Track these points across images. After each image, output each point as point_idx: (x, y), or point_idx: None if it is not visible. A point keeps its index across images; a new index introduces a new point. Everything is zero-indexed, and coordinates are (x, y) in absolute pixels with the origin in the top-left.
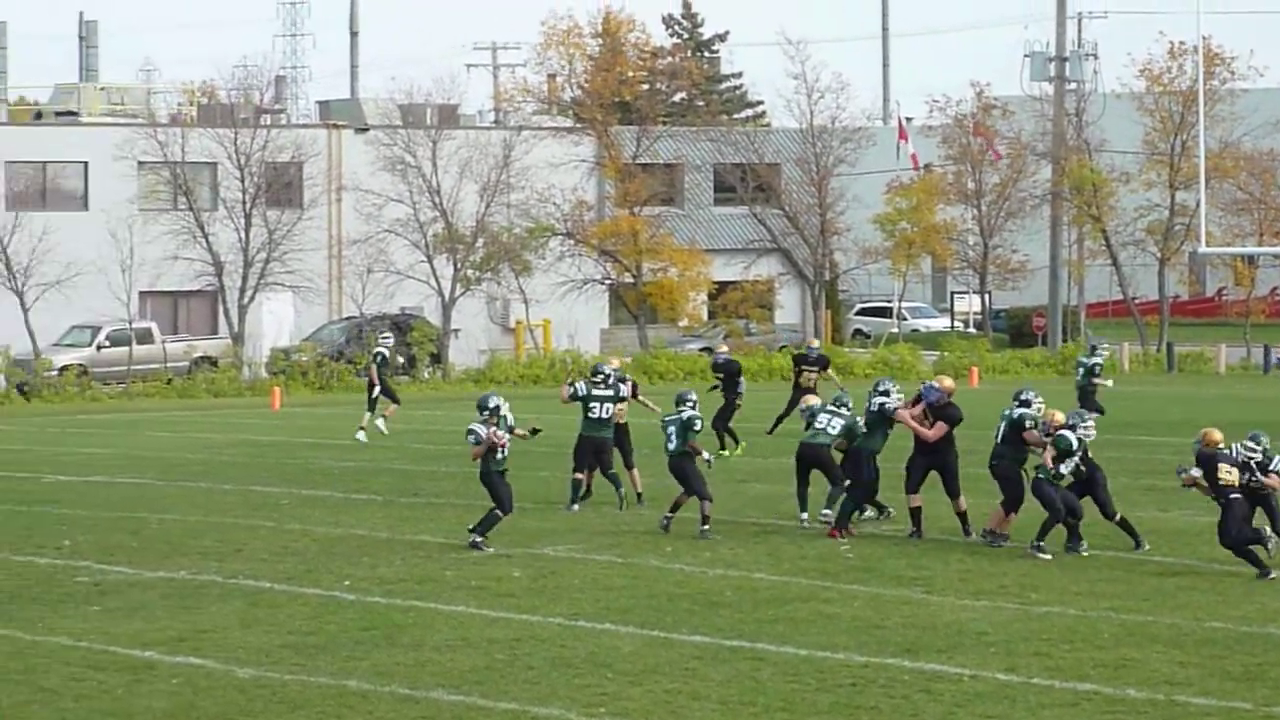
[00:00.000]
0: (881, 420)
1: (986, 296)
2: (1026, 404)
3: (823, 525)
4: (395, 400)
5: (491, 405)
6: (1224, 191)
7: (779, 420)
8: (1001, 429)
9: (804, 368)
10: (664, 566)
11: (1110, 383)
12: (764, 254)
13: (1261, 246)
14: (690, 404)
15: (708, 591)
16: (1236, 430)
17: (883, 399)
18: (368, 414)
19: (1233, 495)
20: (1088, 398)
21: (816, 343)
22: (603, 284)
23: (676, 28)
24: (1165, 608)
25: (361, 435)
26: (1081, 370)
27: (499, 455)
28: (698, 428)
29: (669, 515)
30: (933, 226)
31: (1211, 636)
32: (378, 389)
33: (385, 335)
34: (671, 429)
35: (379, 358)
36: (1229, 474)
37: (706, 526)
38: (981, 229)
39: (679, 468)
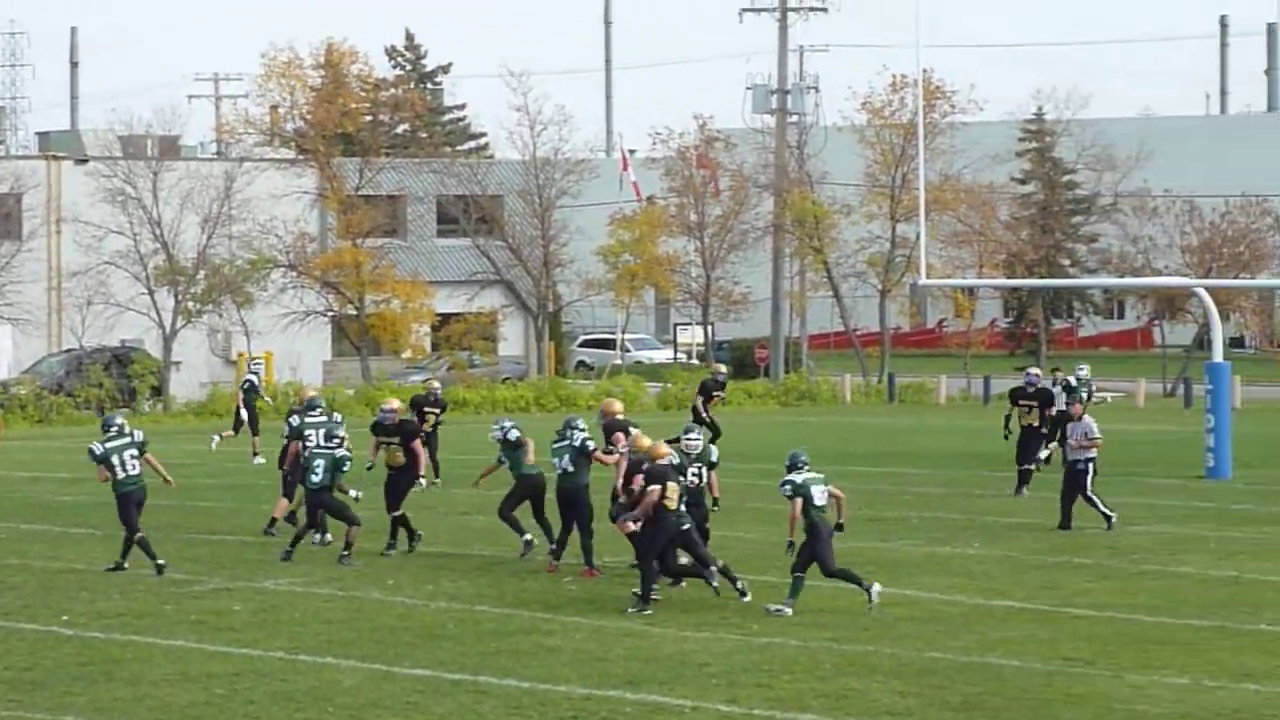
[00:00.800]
0: (583, 455)
1: (709, 328)
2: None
3: (544, 559)
4: (255, 432)
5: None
6: (944, 224)
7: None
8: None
9: (715, 394)
10: (386, 599)
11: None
12: (487, 286)
13: (981, 278)
14: (338, 440)
15: (430, 624)
16: (955, 461)
17: (582, 434)
18: (255, 437)
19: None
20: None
21: (724, 368)
22: (325, 316)
23: (399, 59)
24: (886, 638)
25: (259, 459)
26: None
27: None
28: (346, 468)
29: (289, 549)
30: (656, 258)
31: (932, 666)
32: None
33: (257, 361)
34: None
35: (248, 384)
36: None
37: (348, 553)
38: (704, 261)
39: (322, 501)
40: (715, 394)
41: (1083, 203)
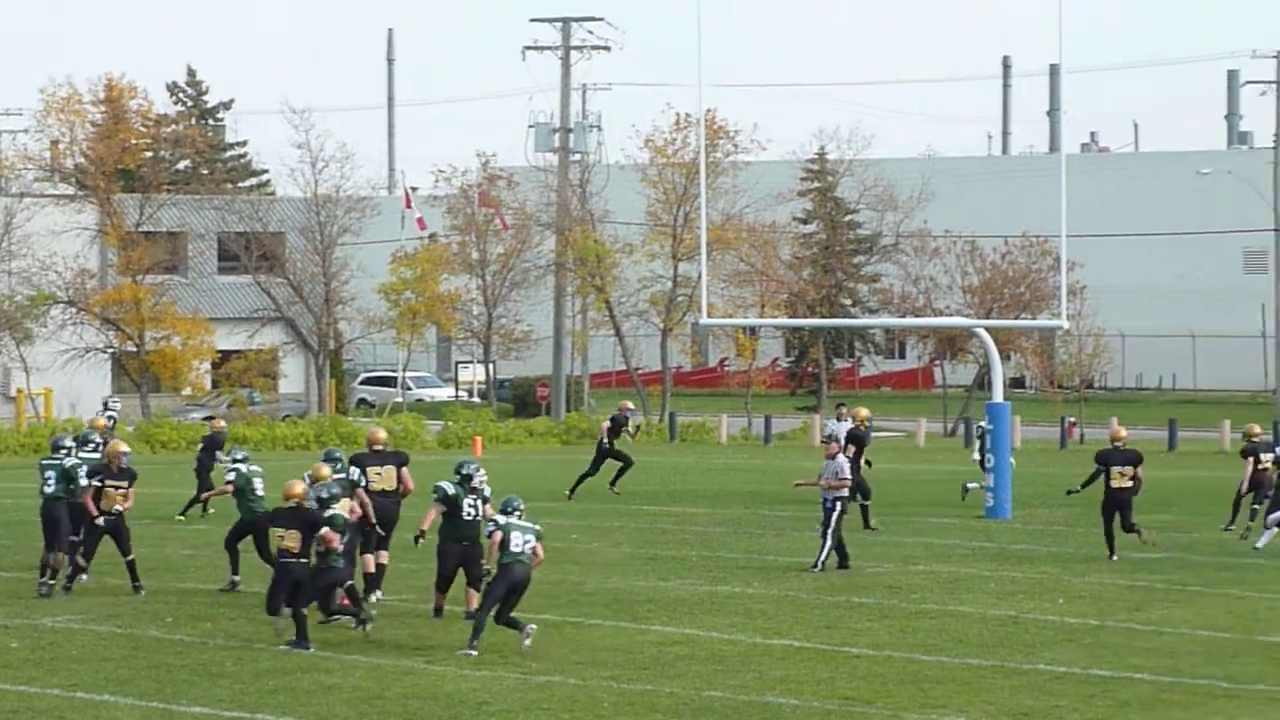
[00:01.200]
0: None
1: (491, 366)
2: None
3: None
4: None
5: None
6: (726, 263)
7: (582, 478)
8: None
9: (625, 430)
10: (164, 637)
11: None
12: (268, 323)
13: (763, 318)
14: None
15: (208, 662)
16: (735, 500)
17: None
18: None
19: None
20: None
21: (631, 405)
22: (105, 352)
23: (181, 95)
24: (665, 677)
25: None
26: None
27: None
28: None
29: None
30: (437, 296)
31: (710, 705)
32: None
33: (115, 401)
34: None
35: (113, 420)
36: None
37: (52, 581)
38: (486, 299)
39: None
40: (624, 429)
41: (864, 242)
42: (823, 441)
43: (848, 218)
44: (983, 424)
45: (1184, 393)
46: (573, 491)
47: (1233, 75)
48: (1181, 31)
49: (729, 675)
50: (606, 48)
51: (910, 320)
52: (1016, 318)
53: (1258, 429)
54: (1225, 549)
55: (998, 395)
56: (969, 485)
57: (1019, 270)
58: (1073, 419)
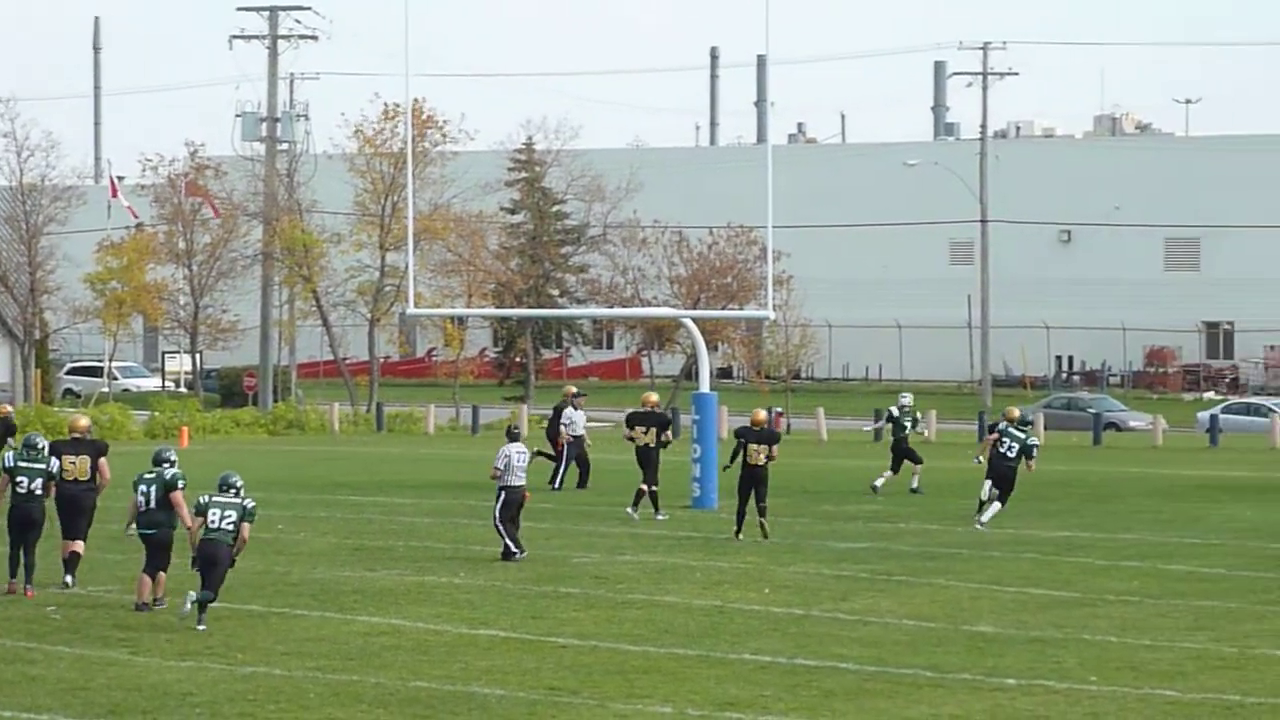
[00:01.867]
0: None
1: (198, 356)
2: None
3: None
4: None
5: None
6: (434, 253)
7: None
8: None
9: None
10: None
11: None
12: None
13: (470, 308)
14: None
15: None
16: (443, 490)
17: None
18: None
19: None
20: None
21: (574, 388)
22: None
23: None
24: (371, 667)
25: None
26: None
27: None
28: None
29: None
30: (144, 286)
31: (416, 696)
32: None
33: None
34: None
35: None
36: None
37: None
38: (193, 289)
39: None
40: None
41: (572, 233)
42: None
43: (555, 208)
44: (893, 410)
45: (891, 383)
46: (553, 479)
47: (939, 67)
48: (889, 23)
49: (435, 665)
50: (314, 37)
51: (618, 311)
52: (724, 308)
53: (1016, 412)
54: (930, 539)
55: (704, 385)
56: (876, 483)
57: (726, 261)
58: (780, 409)
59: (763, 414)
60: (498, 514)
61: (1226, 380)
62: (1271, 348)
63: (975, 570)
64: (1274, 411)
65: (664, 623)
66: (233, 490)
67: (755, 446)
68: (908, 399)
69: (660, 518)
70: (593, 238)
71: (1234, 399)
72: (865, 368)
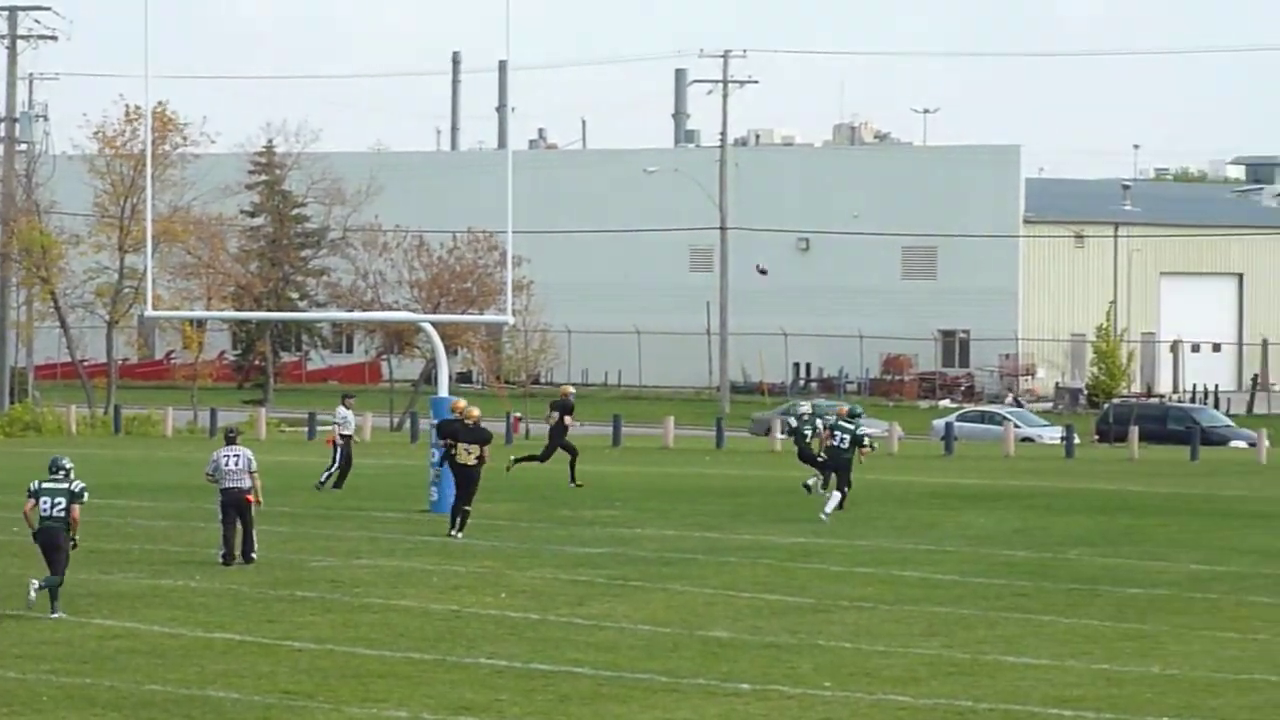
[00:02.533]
0: None
1: None
2: None
3: None
4: None
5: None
6: (174, 255)
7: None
8: None
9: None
10: None
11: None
12: None
13: (210, 311)
14: None
15: None
16: (180, 494)
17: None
18: None
19: None
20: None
21: (572, 390)
22: None
23: None
24: (105, 671)
25: None
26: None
27: None
28: None
29: None
30: None
31: (151, 699)
32: None
33: None
34: None
35: None
36: None
37: None
38: None
39: None
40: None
41: (312, 236)
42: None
43: (295, 211)
44: (793, 420)
45: (630, 389)
46: (516, 462)
47: (680, 74)
48: (631, 30)
49: (170, 669)
50: (54, 37)
51: (358, 314)
52: (464, 313)
53: (845, 408)
54: (667, 544)
55: (443, 390)
56: (809, 482)
57: (466, 266)
58: (519, 414)
59: (463, 403)
60: (219, 517)
61: (961, 388)
62: (1006, 356)
63: (711, 576)
64: (1007, 420)
65: (400, 627)
66: (62, 472)
67: (465, 447)
68: (805, 407)
69: (458, 536)
70: (333, 241)
71: (969, 407)
72: (605, 373)
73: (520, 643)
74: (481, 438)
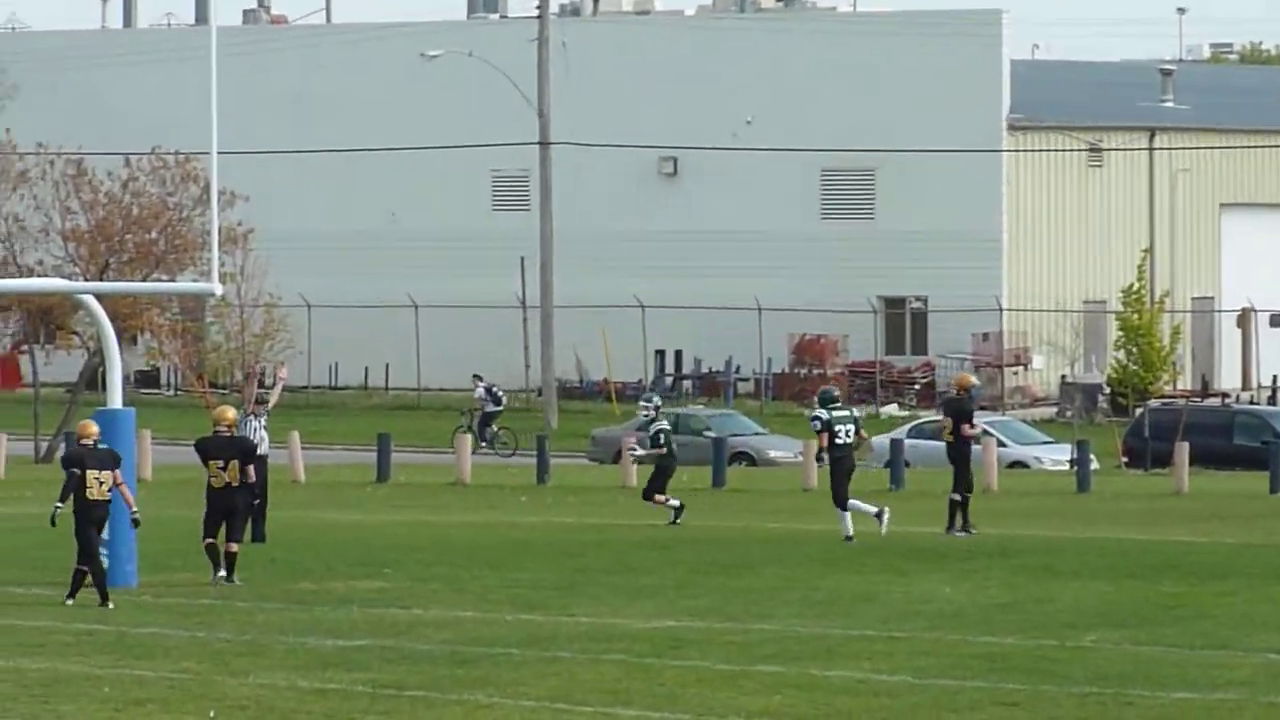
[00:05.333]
0: None
1: None
2: None
3: None
4: None
5: None
6: None
7: None
8: None
9: None
10: None
11: None
12: None
13: None
14: None
15: None
16: None
17: None
18: None
19: None
20: None
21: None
22: None
23: None
24: None
25: None
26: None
27: None
28: None
29: None
30: None
31: None
32: None
33: None
34: None
35: None
36: None
37: None
38: None
39: None
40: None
41: None
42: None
43: None
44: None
45: (403, 394)
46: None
47: None
48: None
49: None
50: None
51: None
52: (147, 278)
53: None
54: (463, 633)
55: (115, 397)
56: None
57: (150, 206)
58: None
59: (232, 413)
60: None
61: (915, 387)
62: (984, 337)
63: (533, 680)
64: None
65: None
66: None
67: (219, 462)
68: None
69: (236, 581)
70: None
71: (927, 416)
72: (364, 369)
73: None
74: (244, 450)
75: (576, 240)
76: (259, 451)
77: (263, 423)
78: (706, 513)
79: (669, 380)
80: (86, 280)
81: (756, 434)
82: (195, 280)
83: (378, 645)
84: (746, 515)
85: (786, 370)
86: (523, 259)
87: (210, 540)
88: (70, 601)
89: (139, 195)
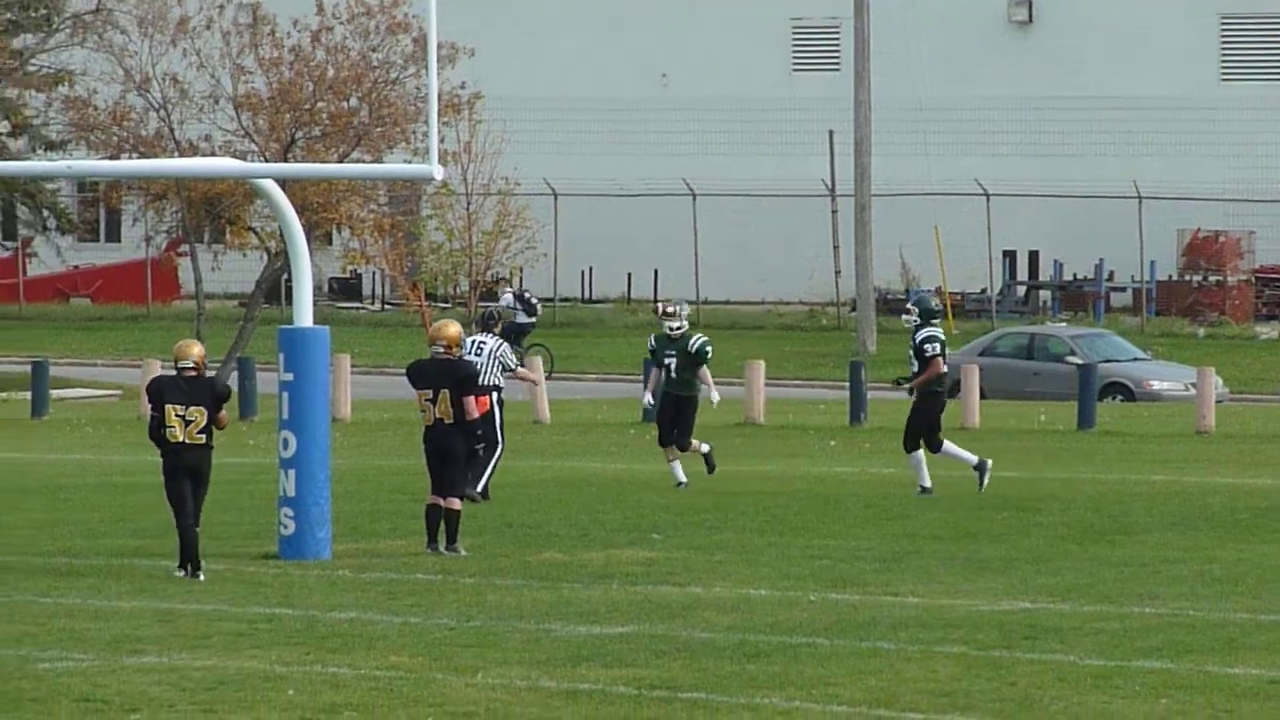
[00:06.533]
0: None
1: None
2: None
3: None
4: None
5: None
6: None
7: None
8: None
9: None
10: None
11: None
12: None
13: None
14: None
15: None
16: None
17: None
18: None
19: None
20: None
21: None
22: None
23: None
24: None
25: None
26: None
27: None
28: None
29: None
30: None
31: None
32: None
33: None
34: None
35: None
36: None
37: None
38: None
39: None
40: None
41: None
42: None
43: None
44: None
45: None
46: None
47: None
48: None
49: None
50: None
51: (132, 164)
52: (344, 159)
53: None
54: None
55: (304, 314)
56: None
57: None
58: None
59: (454, 329)
60: None
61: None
62: None
63: (843, 678)
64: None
65: None
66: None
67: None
68: None
69: (461, 551)
70: (71, 18)
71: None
72: (627, 276)
73: None
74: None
75: (900, 110)
76: (483, 381)
77: (496, 346)
78: (1070, 462)
79: (1020, 290)
80: (265, 161)
81: (1135, 360)
82: (408, 161)
83: (645, 633)
84: (1122, 465)
85: (1174, 277)
86: (831, 133)
87: (434, 499)
88: (201, 577)
89: (334, 51)
